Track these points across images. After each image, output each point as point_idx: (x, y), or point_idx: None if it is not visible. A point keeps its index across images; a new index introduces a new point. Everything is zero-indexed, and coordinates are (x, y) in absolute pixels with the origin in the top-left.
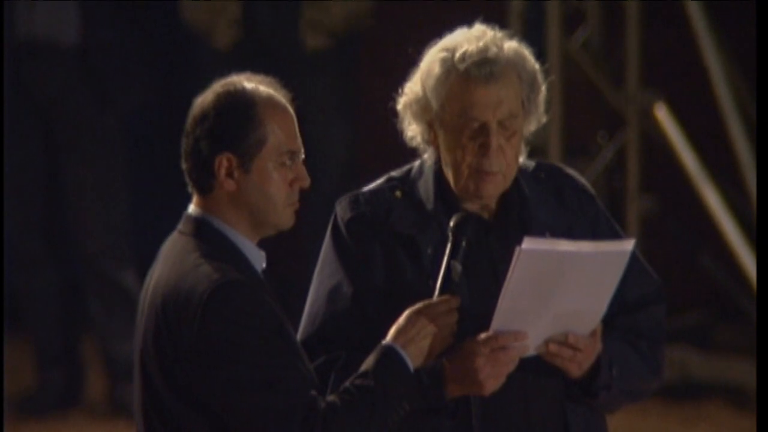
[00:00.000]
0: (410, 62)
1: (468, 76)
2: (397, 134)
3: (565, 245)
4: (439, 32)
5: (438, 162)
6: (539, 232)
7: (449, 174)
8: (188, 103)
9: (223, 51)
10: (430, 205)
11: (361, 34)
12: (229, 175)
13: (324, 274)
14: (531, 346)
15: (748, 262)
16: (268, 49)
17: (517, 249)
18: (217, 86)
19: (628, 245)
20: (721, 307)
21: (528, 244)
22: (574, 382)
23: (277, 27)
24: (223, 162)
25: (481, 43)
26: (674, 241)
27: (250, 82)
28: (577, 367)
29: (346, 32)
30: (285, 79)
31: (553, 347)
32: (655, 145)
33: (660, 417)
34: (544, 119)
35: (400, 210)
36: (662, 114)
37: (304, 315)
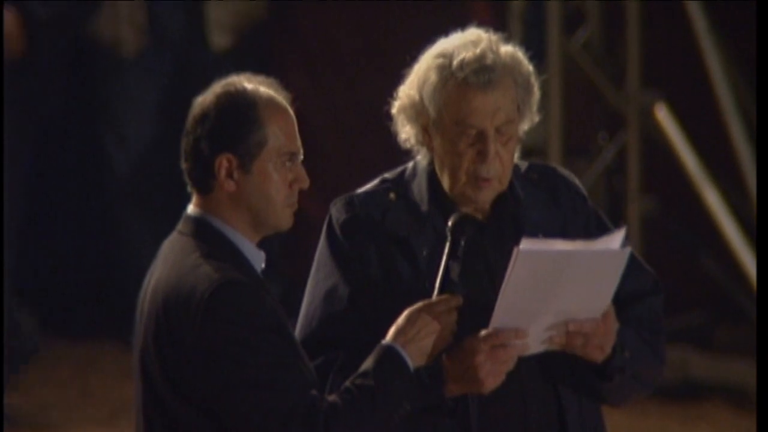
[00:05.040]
0: (409, 64)
1: (466, 83)
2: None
3: (562, 245)
4: (436, 33)
5: (432, 163)
6: (533, 233)
7: (445, 179)
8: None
9: (131, 59)
10: (424, 206)
11: (260, 29)
12: (230, 175)
13: (320, 275)
14: (530, 345)
15: (748, 262)
16: (175, 53)
17: (515, 250)
18: (217, 87)
19: (625, 250)
20: (721, 307)
21: (526, 245)
22: (588, 369)
23: (183, 30)
24: (224, 162)
25: (478, 50)
26: (674, 241)
27: (251, 83)
28: (599, 351)
29: (249, 29)
30: (193, 80)
31: (560, 339)
32: (656, 146)
33: (660, 417)
34: (536, 118)
35: (395, 212)
36: (662, 114)
37: (300, 316)
